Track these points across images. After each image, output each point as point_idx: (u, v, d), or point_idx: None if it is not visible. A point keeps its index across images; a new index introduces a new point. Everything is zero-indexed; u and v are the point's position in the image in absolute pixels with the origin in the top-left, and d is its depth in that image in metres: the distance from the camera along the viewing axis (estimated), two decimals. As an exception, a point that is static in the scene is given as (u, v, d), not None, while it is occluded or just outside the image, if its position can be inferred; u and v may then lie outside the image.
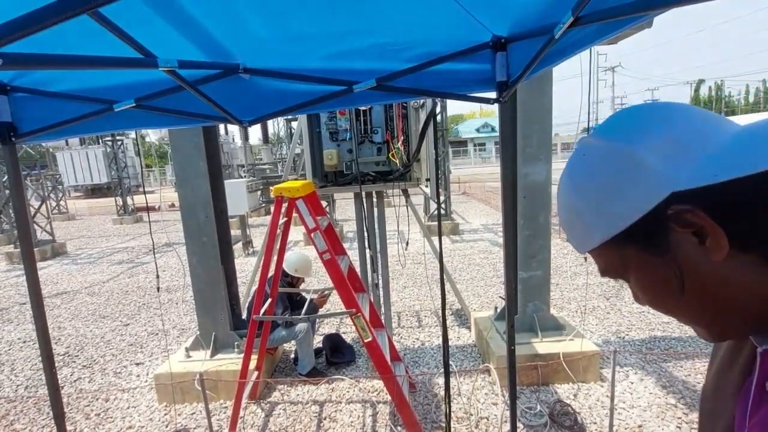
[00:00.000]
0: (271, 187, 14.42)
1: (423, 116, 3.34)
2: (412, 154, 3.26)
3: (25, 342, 4.85)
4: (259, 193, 12.49)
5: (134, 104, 1.67)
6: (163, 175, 33.40)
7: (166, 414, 3.21)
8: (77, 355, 4.38)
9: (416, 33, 1.61)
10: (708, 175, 0.39)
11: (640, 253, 0.45)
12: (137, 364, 4.09)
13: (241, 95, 1.87)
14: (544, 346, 3.35)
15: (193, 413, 3.20)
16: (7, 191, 11.20)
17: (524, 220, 3.45)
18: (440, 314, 4.93)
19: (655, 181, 0.41)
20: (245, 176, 14.45)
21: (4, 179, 11.00)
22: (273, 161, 18.36)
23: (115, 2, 0.56)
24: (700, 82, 52.49)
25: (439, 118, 10.27)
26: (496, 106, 1.85)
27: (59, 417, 1.95)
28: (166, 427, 3.06)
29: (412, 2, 1.39)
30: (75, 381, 3.83)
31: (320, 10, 1.39)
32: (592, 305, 4.90)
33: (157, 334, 4.81)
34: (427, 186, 3.48)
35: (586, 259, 5.88)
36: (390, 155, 3.29)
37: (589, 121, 3.56)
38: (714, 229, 0.40)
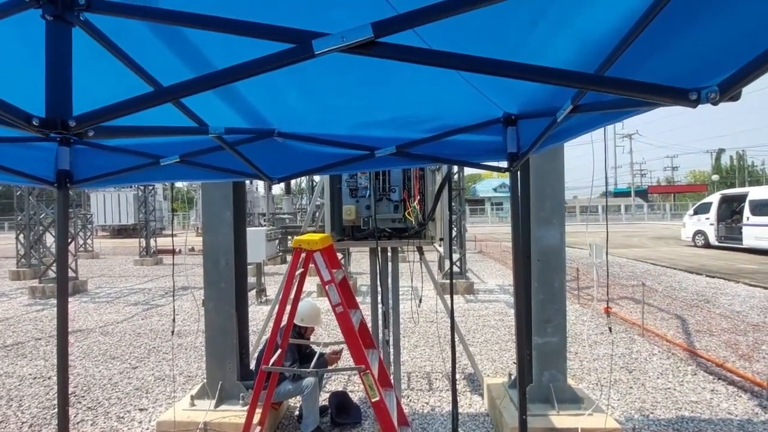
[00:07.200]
0: (290, 237, 14.61)
1: (439, 178, 3.50)
2: (427, 214, 3.38)
3: (35, 378, 4.87)
4: (277, 241, 12.75)
5: (179, 160, 1.86)
6: (186, 220, 34.50)
7: (163, 466, 3.11)
8: (84, 396, 4.35)
9: (434, 108, 1.79)
10: None
11: None
12: (141, 410, 4.02)
13: (273, 155, 2.06)
14: (561, 419, 3.17)
15: (191, 468, 3.09)
16: (40, 228, 11.78)
17: (538, 284, 3.43)
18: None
19: None
20: (265, 225, 14.82)
21: (41, 216, 11.61)
22: (293, 211, 18.87)
23: (194, 95, 0.70)
24: (721, 151, 52.66)
25: (456, 177, 10.57)
26: (508, 175, 1.96)
27: (63, 459, 1.95)
28: (162, 480, 2.95)
29: (431, 83, 1.57)
30: (78, 423, 3.78)
31: (350, 87, 1.58)
32: (613, 378, 4.64)
33: (164, 379, 4.76)
34: (441, 245, 3.54)
35: (611, 330, 5.65)
36: (406, 213, 3.41)
37: (606, 186, 3.64)
38: None
